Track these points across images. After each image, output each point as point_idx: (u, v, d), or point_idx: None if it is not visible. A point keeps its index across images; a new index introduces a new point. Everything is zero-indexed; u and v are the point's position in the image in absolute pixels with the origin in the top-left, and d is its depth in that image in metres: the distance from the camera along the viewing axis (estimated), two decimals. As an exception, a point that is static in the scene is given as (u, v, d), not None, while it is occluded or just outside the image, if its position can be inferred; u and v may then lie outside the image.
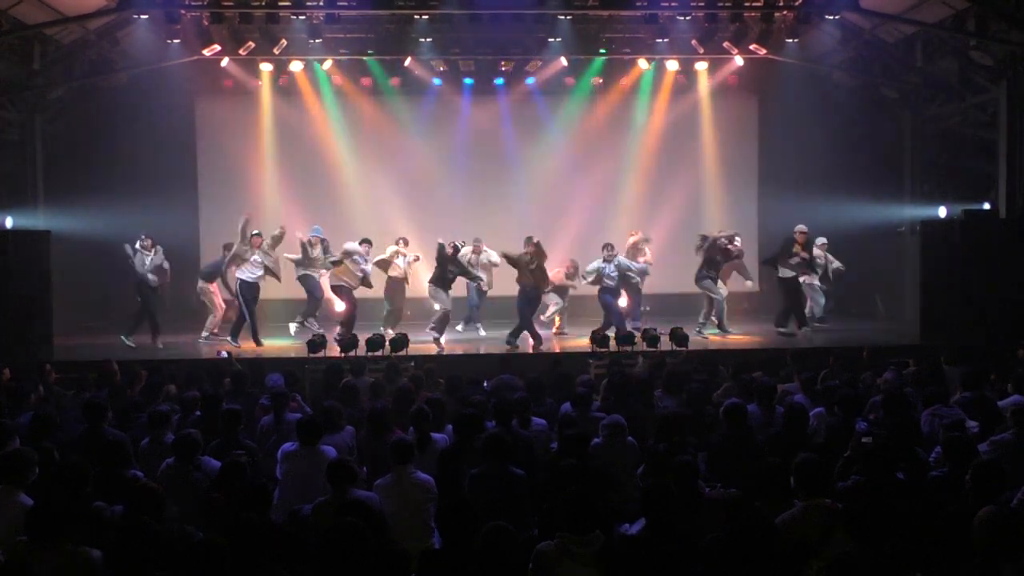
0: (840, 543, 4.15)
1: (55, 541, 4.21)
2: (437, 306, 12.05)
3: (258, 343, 12.02)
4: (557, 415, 7.22)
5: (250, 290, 12.08)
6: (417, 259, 13.11)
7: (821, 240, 13.15)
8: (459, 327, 12.93)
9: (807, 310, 12.95)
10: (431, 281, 12.16)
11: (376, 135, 15.39)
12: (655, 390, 7.83)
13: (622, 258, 12.67)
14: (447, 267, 12.03)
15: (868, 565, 3.78)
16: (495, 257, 12.84)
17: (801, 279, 12.83)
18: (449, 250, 12.03)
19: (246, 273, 12.05)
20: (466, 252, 12.69)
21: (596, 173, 15.47)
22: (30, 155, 13.47)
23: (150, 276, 12.22)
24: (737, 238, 12.95)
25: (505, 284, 12.86)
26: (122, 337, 12.01)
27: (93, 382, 8.61)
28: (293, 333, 12.18)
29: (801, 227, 12.69)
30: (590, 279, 12.66)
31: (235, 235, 12.23)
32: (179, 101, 14.71)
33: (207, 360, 10.86)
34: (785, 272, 12.63)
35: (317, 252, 12.33)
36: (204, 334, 12.48)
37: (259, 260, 12.04)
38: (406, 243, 13.14)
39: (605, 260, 12.52)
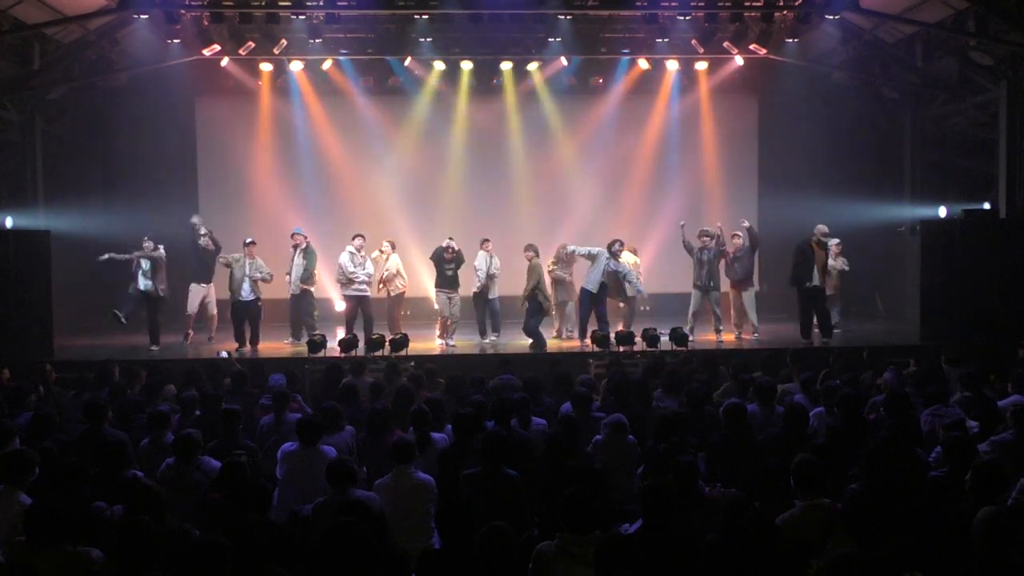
0: (840, 543, 4.15)
1: (54, 541, 4.21)
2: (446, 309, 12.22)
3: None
4: (556, 415, 7.22)
5: None
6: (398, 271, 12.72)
7: (835, 241, 12.88)
8: (492, 337, 12.48)
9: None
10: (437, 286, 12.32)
11: (376, 135, 15.39)
12: (655, 390, 7.84)
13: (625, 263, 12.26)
14: (444, 266, 12.12)
15: (868, 565, 3.78)
16: (496, 264, 12.56)
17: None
18: (448, 255, 12.07)
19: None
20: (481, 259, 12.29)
21: (596, 173, 15.48)
22: (30, 155, 13.44)
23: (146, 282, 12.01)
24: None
25: (506, 285, 12.87)
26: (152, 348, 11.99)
27: (93, 382, 8.61)
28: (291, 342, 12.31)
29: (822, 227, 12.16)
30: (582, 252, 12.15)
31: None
32: (179, 101, 14.72)
33: (207, 360, 10.87)
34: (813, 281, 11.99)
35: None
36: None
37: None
38: (392, 247, 12.77)
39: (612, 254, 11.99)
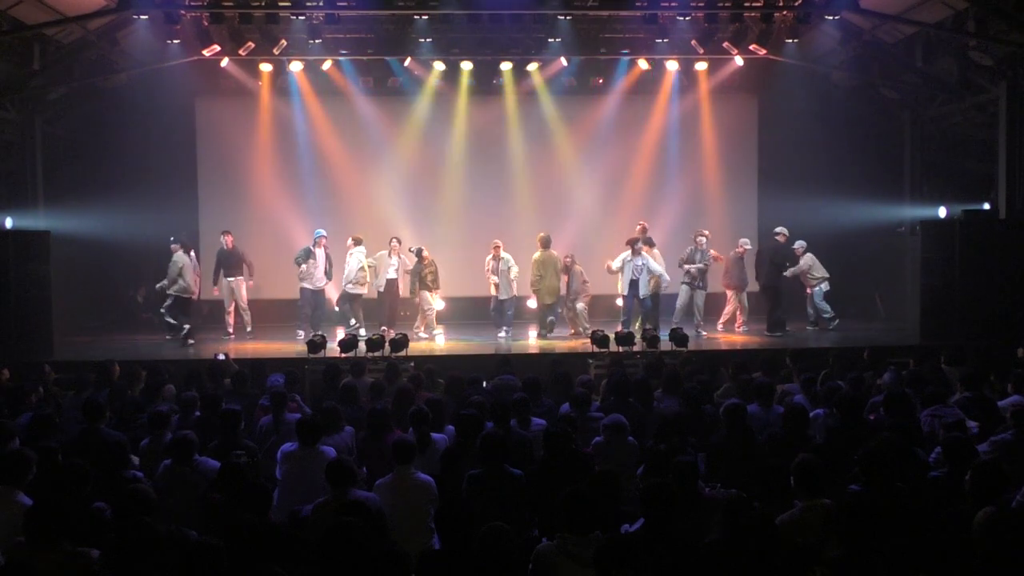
0: (840, 543, 4.14)
1: (54, 541, 4.21)
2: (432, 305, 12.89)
3: None
4: (556, 415, 7.21)
5: None
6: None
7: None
8: (501, 334, 12.88)
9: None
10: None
11: (376, 135, 15.39)
12: (655, 390, 7.83)
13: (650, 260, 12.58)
14: (422, 271, 12.90)
15: (868, 566, 3.78)
16: (514, 268, 12.89)
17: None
18: (426, 255, 12.94)
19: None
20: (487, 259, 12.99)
21: (596, 173, 15.48)
22: (30, 155, 13.44)
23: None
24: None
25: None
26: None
27: (93, 382, 8.60)
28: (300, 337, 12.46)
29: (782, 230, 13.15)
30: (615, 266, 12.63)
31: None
32: (179, 101, 14.70)
33: (207, 360, 10.86)
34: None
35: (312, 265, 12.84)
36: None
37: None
38: (399, 242, 13.33)
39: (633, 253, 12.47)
